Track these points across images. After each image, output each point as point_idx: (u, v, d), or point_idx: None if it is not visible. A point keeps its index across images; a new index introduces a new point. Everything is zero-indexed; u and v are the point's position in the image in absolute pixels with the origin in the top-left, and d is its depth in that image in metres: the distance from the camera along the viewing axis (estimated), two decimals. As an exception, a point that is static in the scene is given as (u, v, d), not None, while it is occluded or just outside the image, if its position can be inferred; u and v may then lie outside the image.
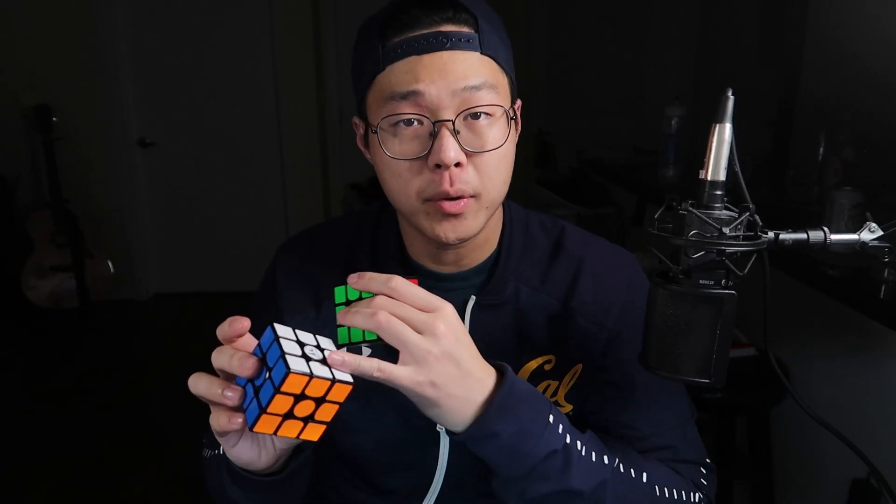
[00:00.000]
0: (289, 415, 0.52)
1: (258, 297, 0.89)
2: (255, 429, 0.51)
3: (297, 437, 0.54)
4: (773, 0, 2.08)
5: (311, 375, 0.51)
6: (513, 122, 0.71)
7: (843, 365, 1.53)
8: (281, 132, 4.00)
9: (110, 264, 3.67)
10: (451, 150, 0.65)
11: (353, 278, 0.59)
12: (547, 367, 0.78)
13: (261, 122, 3.97)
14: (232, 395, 0.54)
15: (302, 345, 0.54)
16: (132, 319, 3.85)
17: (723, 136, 0.55)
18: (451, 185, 0.66)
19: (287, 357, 0.50)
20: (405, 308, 0.58)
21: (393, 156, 0.68)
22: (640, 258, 2.16)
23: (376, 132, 0.69)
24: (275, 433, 0.53)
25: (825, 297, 1.39)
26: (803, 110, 1.85)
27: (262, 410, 0.51)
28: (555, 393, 0.79)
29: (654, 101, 2.42)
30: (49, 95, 3.60)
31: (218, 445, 0.90)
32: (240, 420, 0.54)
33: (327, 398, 0.53)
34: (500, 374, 0.63)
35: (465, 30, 0.67)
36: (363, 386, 0.77)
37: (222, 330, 0.57)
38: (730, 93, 0.55)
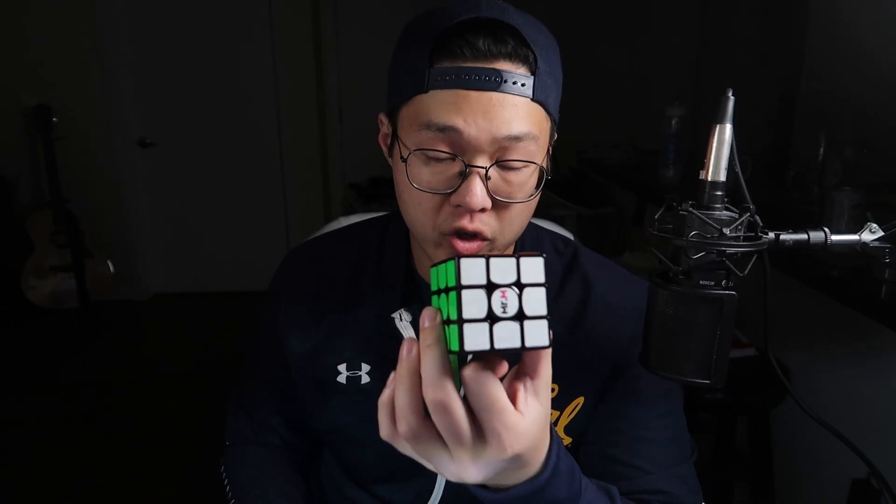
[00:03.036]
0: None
1: (265, 303, 0.89)
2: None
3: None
4: (774, 0, 2.08)
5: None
6: (545, 166, 0.68)
7: (843, 365, 1.53)
8: (281, 132, 4.00)
9: (110, 264, 3.67)
10: (477, 196, 0.62)
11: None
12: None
13: (261, 122, 3.97)
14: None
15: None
16: (132, 319, 3.85)
17: (723, 136, 0.55)
18: (471, 222, 0.64)
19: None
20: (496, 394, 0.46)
21: (418, 186, 0.65)
22: (640, 258, 2.17)
23: (404, 158, 0.66)
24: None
25: (826, 297, 1.39)
26: (803, 110, 1.85)
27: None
28: (555, 423, 0.76)
29: (654, 101, 2.42)
30: (49, 95, 3.60)
31: (243, 441, 0.90)
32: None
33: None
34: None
35: (522, 70, 0.62)
36: (366, 400, 0.77)
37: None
38: (730, 93, 0.55)
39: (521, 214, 0.68)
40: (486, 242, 0.66)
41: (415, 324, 0.76)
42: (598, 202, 2.94)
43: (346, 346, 0.79)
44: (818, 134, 1.68)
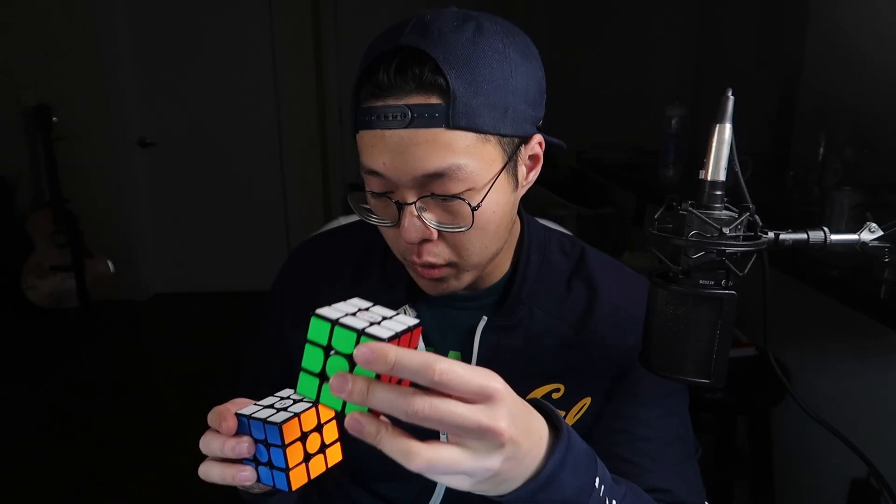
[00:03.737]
0: (307, 457, 0.54)
1: (266, 304, 0.88)
2: (294, 487, 0.53)
3: (328, 467, 0.56)
4: (773, 0, 2.08)
5: (295, 414, 0.52)
6: (506, 179, 0.65)
7: (843, 365, 1.53)
8: (281, 132, 4.00)
9: (110, 264, 3.67)
10: (410, 231, 0.63)
11: (365, 353, 0.41)
12: (555, 395, 0.75)
13: (261, 122, 3.97)
14: (248, 475, 0.54)
15: (270, 405, 0.55)
16: (132, 319, 3.85)
17: (723, 136, 0.55)
18: (419, 257, 0.66)
19: (268, 420, 0.52)
20: (454, 409, 0.43)
21: (372, 215, 0.68)
22: (640, 258, 2.16)
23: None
24: (310, 479, 0.54)
25: (825, 297, 1.39)
26: (803, 110, 1.85)
27: (287, 470, 0.53)
28: None
29: (654, 101, 2.42)
30: (49, 95, 3.60)
31: None
32: (251, 475, 0.55)
33: (322, 423, 0.55)
34: (553, 427, 0.52)
35: (433, 101, 0.59)
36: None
37: (212, 421, 0.55)
38: (730, 93, 0.55)
39: (477, 240, 0.66)
40: (446, 267, 0.67)
41: (419, 319, 0.76)
42: (598, 202, 2.94)
43: None
44: (818, 134, 1.68)
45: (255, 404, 0.55)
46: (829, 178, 1.61)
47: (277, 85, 3.92)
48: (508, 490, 0.49)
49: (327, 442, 0.56)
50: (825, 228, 0.59)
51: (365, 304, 0.48)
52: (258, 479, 0.55)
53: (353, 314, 0.45)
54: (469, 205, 0.62)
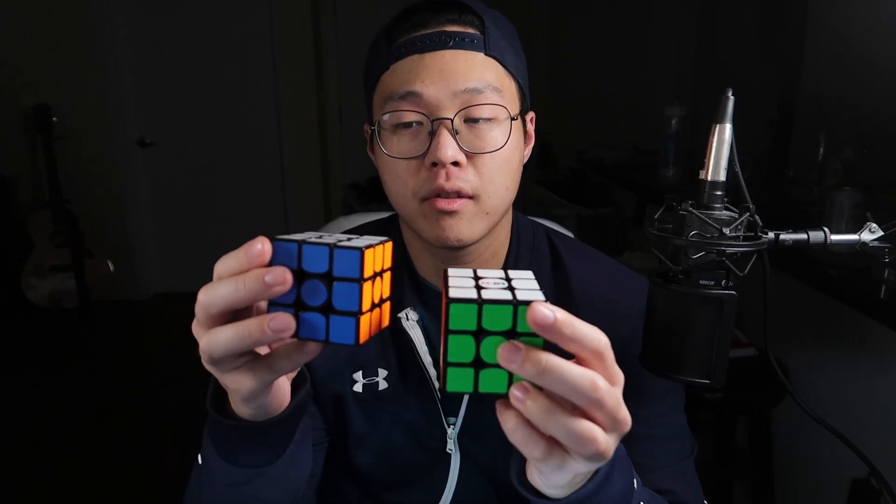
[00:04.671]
0: (373, 306, 0.43)
1: None
2: (362, 340, 0.41)
3: (381, 328, 0.45)
4: (773, 0, 2.08)
5: (371, 245, 0.41)
6: (519, 129, 0.70)
7: (843, 365, 1.53)
8: (281, 132, 4.00)
9: (110, 264, 3.67)
10: (448, 147, 0.63)
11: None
12: None
13: (261, 122, 3.97)
14: (286, 322, 0.40)
15: (317, 237, 0.43)
16: (132, 319, 3.85)
17: (723, 136, 0.55)
18: (447, 180, 0.65)
19: (338, 244, 0.40)
20: (618, 394, 0.41)
21: (391, 154, 0.67)
22: (640, 258, 2.16)
23: (377, 132, 0.68)
24: (371, 335, 0.44)
25: (825, 297, 1.39)
26: (803, 110, 1.85)
27: (359, 314, 0.40)
28: None
29: (654, 101, 2.42)
30: (49, 95, 3.60)
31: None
32: (311, 345, 0.43)
33: (384, 268, 0.45)
34: None
35: (470, 31, 0.67)
36: (382, 407, 0.75)
37: (229, 261, 0.42)
38: (730, 93, 0.55)
39: (501, 171, 0.67)
40: (469, 200, 0.66)
41: (420, 323, 0.76)
42: (598, 202, 2.94)
43: (360, 352, 0.78)
44: (818, 134, 1.68)
45: (290, 235, 0.43)
46: (829, 178, 1.61)
47: (277, 85, 3.92)
48: (576, 488, 0.47)
49: (384, 296, 0.45)
50: (825, 228, 0.59)
51: (315, 234, 0.44)
52: (296, 334, 0.41)
53: (319, 238, 0.41)
54: (509, 114, 0.67)
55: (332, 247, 0.40)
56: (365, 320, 0.41)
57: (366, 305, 0.41)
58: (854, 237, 0.60)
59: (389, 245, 0.45)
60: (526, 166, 0.74)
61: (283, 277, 0.39)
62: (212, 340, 0.42)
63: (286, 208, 4.11)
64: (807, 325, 1.65)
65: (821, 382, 1.59)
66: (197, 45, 3.82)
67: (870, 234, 0.60)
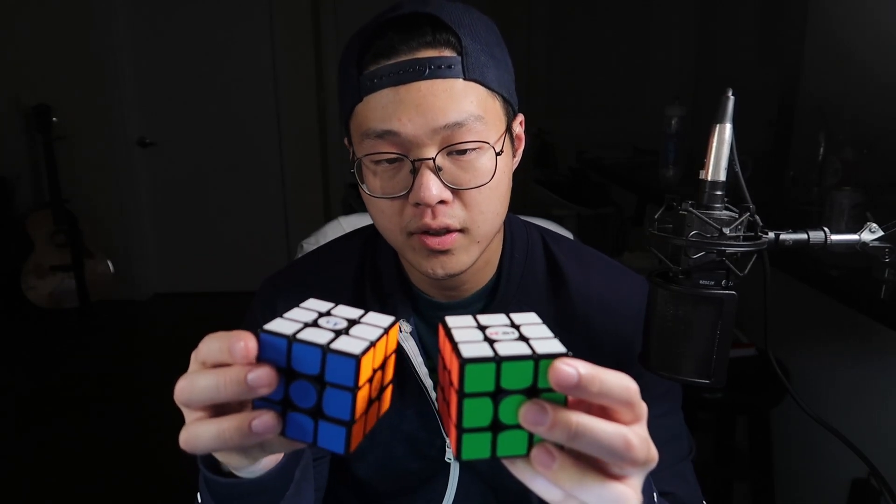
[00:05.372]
0: (369, 404, 0.40)
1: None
2: (353, 447, 0.38)
3: (377, 419, 0.43)
4: (773, 0, 2.08)
5: (371, 343, 0.38)
6: (508, 148, 0.66)
7: (843, 365, 1.53)
8: (281, 132, 3.99)
9: (110, 264, 3.67)
10: (431, 188, 0.60)
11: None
12: None
13: (261, 122, 3.97)
14: (269, 422, 0.37)
15: (313, 323, 0.40)
16: (132, 319, 3.85)
17: (723, 136, 0.55)
18: (434, 218, 0.62)
19: (331, 347, 0.37)
20: (653, 449, 0.41)
21: (373, 194, 0.64)
22: (640, 258, 2.16)
23: (358, 166, 0.65)
24: (366, 433, 0.41)
25: (826, 297, 1.39)
26: (803, 110, 1.85)
27: (351, 423, 0.37)
28: None
29: (654, 101, 2.42)
30: (49, 95, 3.59)
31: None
32: (273, 423, 0.39)
33: (388, 354, 0.42)
34: None
35: (447, 54, 0.61)
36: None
37: (210, 349, 0.39)
38: (730, 93, 0.55)
39: (490, 200, 0.65)
40: (458, 234, 0.64)
41: (415, 334, 0.75)
42: (598, 202, 2.94)
43: None
44: (818, 134, 1.68)
45: (282, 318, 0.39)
46: (829, 178, 1.61)
47: (277, 85, 3.92)
48: None
49: (385, 382, 0.42)
50: (825, 228, 0.59)
51: (324, 305, 0.41)
52: (283, 432, 0.38)
53: (315, 323, 0.38)
54: (493, 148, 0.63)
55: (325, 350, 0.36)
56: (358, 428, 0.38)
57: (359, 412, 0.38)
58: (854, 237, 0.60)
59: (395, 329, 0.42)
60: (523, 166, 0.74)
61: (267, 379, 0.36)
62: (191, 436, 0.39)
63: (286, 208, 4.11)
64: (807, 325, 1.65)
65: (821, 382, 1.59)
66: (197, 45, 3.81)
67: (870, 234, 0.60)
